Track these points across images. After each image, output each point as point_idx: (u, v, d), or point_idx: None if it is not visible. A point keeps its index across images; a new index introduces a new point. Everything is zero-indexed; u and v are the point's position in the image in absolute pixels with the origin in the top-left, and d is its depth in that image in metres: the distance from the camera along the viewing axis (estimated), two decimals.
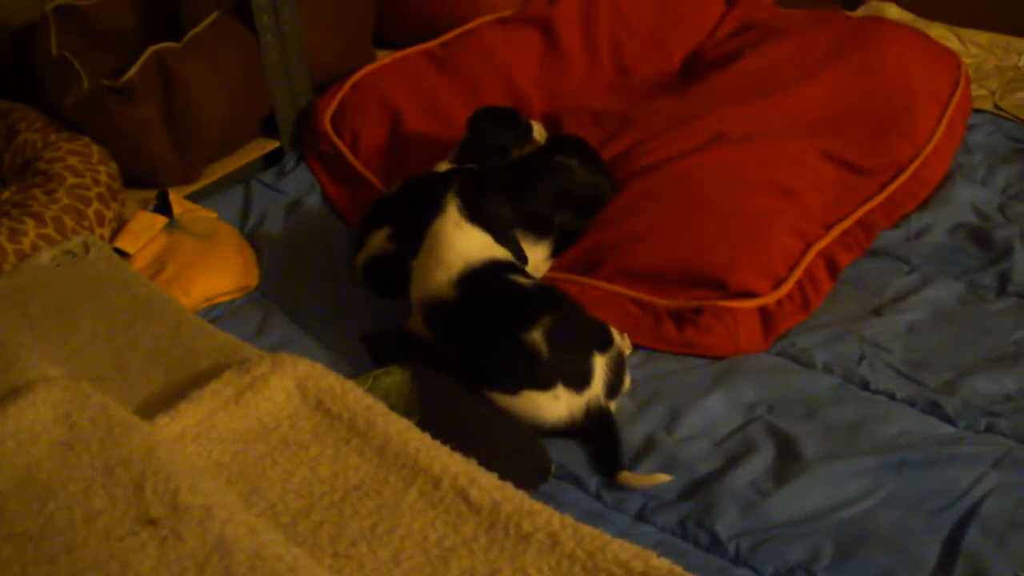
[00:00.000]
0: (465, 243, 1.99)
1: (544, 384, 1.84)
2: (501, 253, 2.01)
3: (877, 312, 2.19)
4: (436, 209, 2.01)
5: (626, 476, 1.78)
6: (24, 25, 2.77)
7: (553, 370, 1.83)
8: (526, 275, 2.02)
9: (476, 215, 2.01)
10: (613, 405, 1.91)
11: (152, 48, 2.56)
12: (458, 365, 1.94)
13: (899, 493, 1.73)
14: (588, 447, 1.87)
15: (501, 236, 2.03)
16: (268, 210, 2.65)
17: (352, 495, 1.58)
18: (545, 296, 1.97)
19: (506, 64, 3.00)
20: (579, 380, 1.85)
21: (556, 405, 1.84)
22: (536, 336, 1.83)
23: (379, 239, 2.24)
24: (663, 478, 1.78)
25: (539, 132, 2.55)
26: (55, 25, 2.66)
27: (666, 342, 2.11)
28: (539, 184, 2.29)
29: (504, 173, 2.34)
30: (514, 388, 1.85)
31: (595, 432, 1.87)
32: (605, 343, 1.91)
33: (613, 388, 1.90)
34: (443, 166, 2.37)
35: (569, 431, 1.88)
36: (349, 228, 2.53)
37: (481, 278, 1.96)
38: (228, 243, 2.43)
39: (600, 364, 1.87)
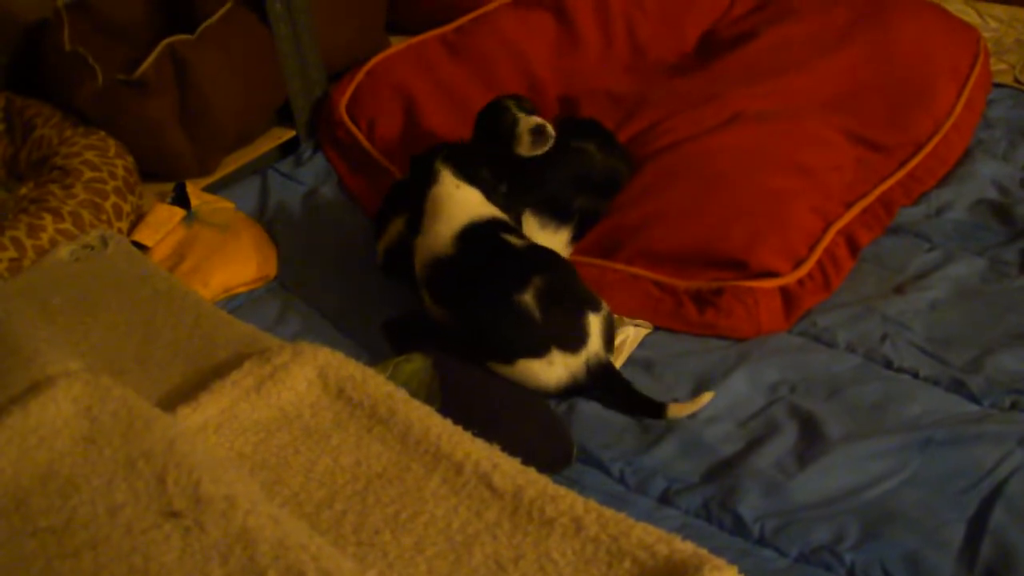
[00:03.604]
0: (468, 200, 2.07)
1: (537, 350, 1.89)
2: (498, 213, 2.08)
3: (899, 290, 2.17)
4: (430, 179, 2.09)
5: (674, 408, 1.87)
6: (37, 21, 2.78)
7: (546, 334, 1.89)
8: (521, 236, 2.08)
9: (469, 177, 2.09)
10: (612, 357, 1.97)
11: (165, 41, 2.56)
12: (457, 332, 2.00)
13: (924, 472, 1.73)
14: (616, 406, 1.91)
15: (492, 194, 2.11)
16: (285, 200, 2.65)
17: (375, 483, 1.57)
18: (537, 256, 2.01)
19: (520, 48, 2.98)
20: (574, 341, 1.90)
21: (552, 370, 1.90)
22: (528, 298, 1.89)
23: (399, 225, 2.23)
24: (708, 396, 1.88)
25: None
26: (68, 20, 2.66)
27: (687, 324, 2.10)
28: (557, 170, 2.28)
29: (522, 160, 2.33)
30: (508, 357, 1.91)
31: (606, 388, 1.93)
32: (597, 303, 1.96)
33: (609, 342, 1.96)
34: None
35: (576, 391, 1.93)
36: (367, 216, 2.53)
37: (480, 233, 2.03)
38: (246, 234, 2.43)
39: (596, 322, 1.92)
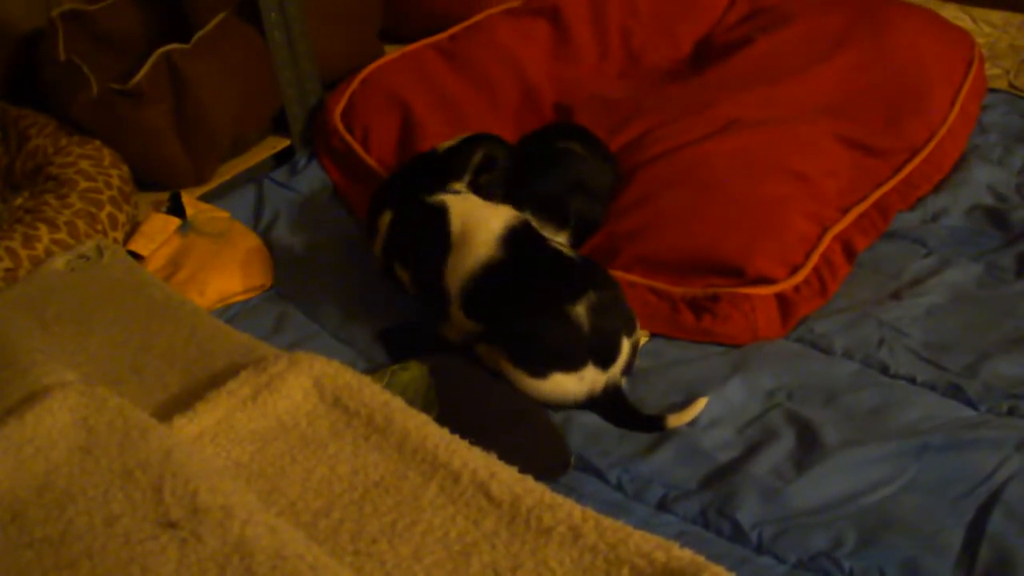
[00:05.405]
0: (496, 208, 2.06)
1: (575, 364, 1.88)
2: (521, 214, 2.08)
3: (895, 296, 2.17)
4: (440, 212, 2.04)
5: (673, 418, 1.86)
6: (31, 31, 2.78)
7: (587, 348, 1.88)
8: (559, 243, 2.07)
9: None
10: (624, 381, 1.97)
11: (160, 50, 2.55)
12: (499, 336, 1.96)
13: (921, 478, 1.72)
14: (615, 423, 1.90)
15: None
16: (281, 208, 2.65)
17: (372, 492, 1.57)
18: (590, 270, 2.00)
19: (515, 55, 2.98)
20: (607, 359, 1.90)
21: (579, 386, 1.89)
22: (580, 310, 1.88)
23: (389, 218, 2.22)
24: (703, 401, 1.88)
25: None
26: (62, 30, 2.66)
27: (683, 330, 2.10)
28: (551, 171, 2.29)
29: (514, 163, 2.32)
30: (544, 369, 1.89)
31: (607, 406, 1.92)
32: (632, 327, 1.96)
33: (629, 367, 1.96)
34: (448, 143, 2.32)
35: (581, 406, 1.92)
36: (362, 224, 2.52)
37: (523, 236, 2.01)
38: (242, 242, 2.43)
39: (626, 347, 1.92)
